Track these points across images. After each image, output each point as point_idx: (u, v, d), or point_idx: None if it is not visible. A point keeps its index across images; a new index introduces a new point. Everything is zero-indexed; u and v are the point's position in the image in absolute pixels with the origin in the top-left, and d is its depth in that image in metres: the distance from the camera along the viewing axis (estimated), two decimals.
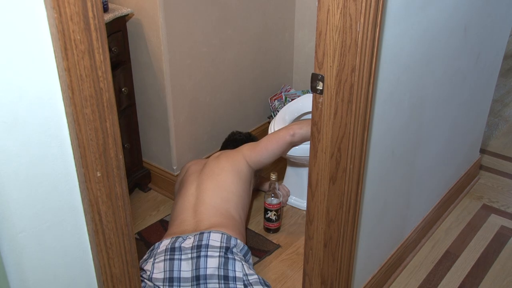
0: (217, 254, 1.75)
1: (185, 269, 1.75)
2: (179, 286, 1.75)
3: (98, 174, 0.95)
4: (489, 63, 2.25)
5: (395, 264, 2.02)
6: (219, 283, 1.73)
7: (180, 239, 1.82)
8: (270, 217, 2.22)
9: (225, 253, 1.76)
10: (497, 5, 2.05)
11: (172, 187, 2.44)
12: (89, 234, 1.03)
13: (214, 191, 2.01)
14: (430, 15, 1.54)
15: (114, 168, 0.98)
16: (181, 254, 1.77)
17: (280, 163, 2.59)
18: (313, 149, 1.43)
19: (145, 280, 1.78)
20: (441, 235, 2.28)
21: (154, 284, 1.76)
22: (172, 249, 1.79)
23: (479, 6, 1.88)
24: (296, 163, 2.39)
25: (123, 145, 2.31)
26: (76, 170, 0.95)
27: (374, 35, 1.27)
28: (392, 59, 1.43)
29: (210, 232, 1.82)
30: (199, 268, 1.74)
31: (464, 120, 2.25)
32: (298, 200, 2.42)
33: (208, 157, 2.48)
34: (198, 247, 1.77)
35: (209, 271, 1.73)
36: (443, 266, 2.11)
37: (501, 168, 2.81)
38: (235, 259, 1.76)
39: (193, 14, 2.26)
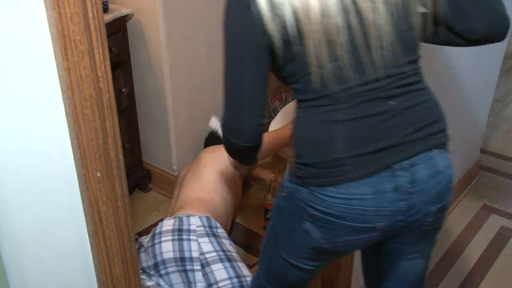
0: (170, 238, 1.78)
1: (144, 259, 1.83)
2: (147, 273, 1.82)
3: (98, 175, 0.95)
4: (489, 63, 2.25)
5: None
6: (176, 265, 1.75)
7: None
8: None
9: (179, 235, 1.78)
10: None
11: (172, 187, 2.45)
12: (89, 235, 1.03)
13: (190, 184, 2.07)
14: None
15: (114, 168, 0.98)
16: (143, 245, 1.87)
17: (280, 163, 2.58)
18: None
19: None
20: (441, 235, 2.28)
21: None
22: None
23: None
24: None
25: (123, 146, 2.31)
26: (76, 171, 0.95)
27: None
28: None
29: (163, 220, 1.88)
30: (155, 255, 1.78)
31: (464, 120, 2.25)
32: None
33: None
34: (153, 236, 1.83)
35: (165, 256, 1.76)
36: (443, 266, 2.11)
37: (501, 168, 2.81)
38: (190, 240, 1.77)
39: (193, 14, 2.26)
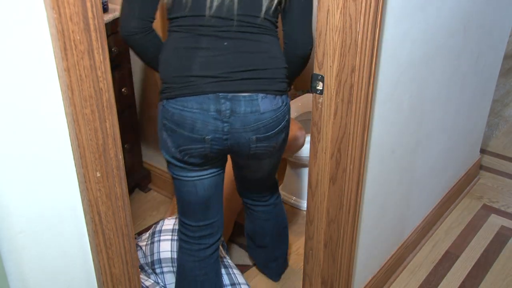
0: (170, 237, 1.77)
1: (140, 256, 1.83)
2: (144, 270, 1.83)
3: (98, 175, 0.95)
4: (489, 63, 2.25)
5: (395, 264, 2.02)
6: (172, 266, 1.75)
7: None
8: None
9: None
10: (497, 5, 2.05)
11: (172, 188, 2.44)
12: (89, 235, 1.03)
13: None
14: (429, 15, 1.54)
15: (114, 168, 0.98)
16: (138, 243, 1.87)
17: (280, 163, 2.58)
18: (313, 149, 1.43)
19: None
20: (441, 235, 2.28)
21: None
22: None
23: (479, 6, 1.88)
24: (296, 163, 2.39)
25: (123, 146, 2.31)
26: (76, 171, 0.95)
27: (374, 35, 1.27)
28: (392, 59, 1.43)
29: (165, 219, 1.87)
30: (153, 254, 1.77)
31: (464, 120, 2.25)
32: (298, 200, 2.42)
33: None
34: (153, 234, 1.83)
35: (162, 255, 1.75)
36: (443, 266, 2.10)
37: (501, 168, 2.81)
38: None
39: None
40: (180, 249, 1.62)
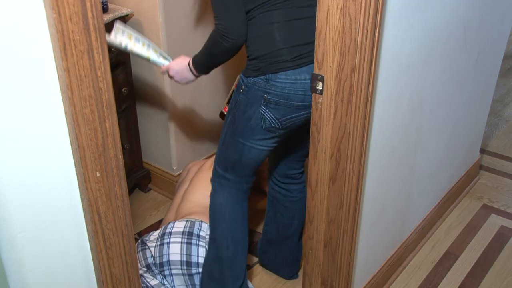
0: (180, 240, 1.77)
1: (149, 255, 1.83)
2: (152, 271, 1.82)
3: (98, 175, 0.95)
4: (489, 63, 2.25)
5: (395, 264, 2.02)
6: (181, 268, 1.75)
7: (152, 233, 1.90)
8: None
9: (188, 238, 1.78)
10: (497, 5, 2.05)
11: (172, 188, 2.45)
12: (88, 235, 1.03)
13: (202, 188, 2.05)
14: (429, 15, 1.54)
15: (114, 168, 0.98)
16: (147, 243, 1.86)
17: None
18: (313, 149, 1.43)
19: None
20: (441, 235, 2.28)
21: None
22: (142, 242, 1.88)
23: (478, 6, 1.88)
24: None
25: (123, 146, 2.31)
26: (76, 170, 0.95)
27: (374, 35, 1.27)
28: (391, 59, 1.43)
29: (175, 221, 1.86)
30: (162, 255, 1.77)
31: (464, 120, 2.25)
32: None
33: (209, 157, 2.48)
34: (162, 235, 1.81)
35: (172, 257, 1.76)
36: (443, 266, 2.10)
37: (501, 168, 2.81)
38: (198, 245, 1.76)
39: (193, 14, 2.26)
40: (222, 192, 1.64)
